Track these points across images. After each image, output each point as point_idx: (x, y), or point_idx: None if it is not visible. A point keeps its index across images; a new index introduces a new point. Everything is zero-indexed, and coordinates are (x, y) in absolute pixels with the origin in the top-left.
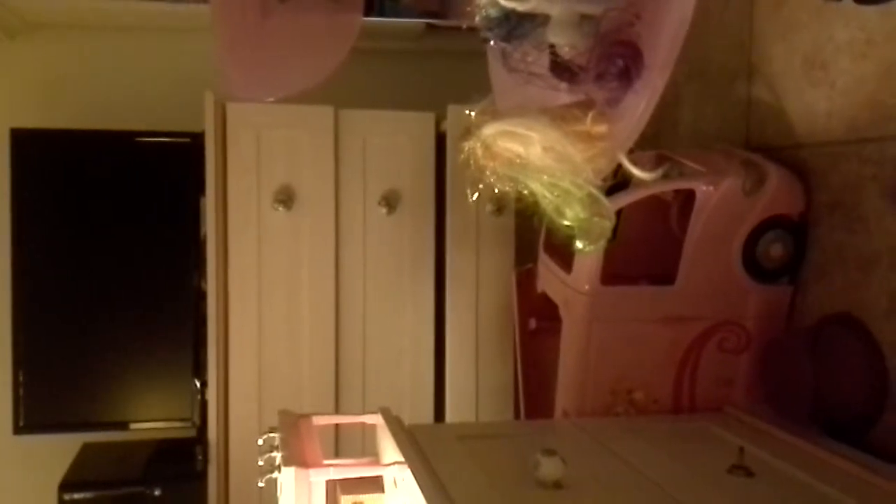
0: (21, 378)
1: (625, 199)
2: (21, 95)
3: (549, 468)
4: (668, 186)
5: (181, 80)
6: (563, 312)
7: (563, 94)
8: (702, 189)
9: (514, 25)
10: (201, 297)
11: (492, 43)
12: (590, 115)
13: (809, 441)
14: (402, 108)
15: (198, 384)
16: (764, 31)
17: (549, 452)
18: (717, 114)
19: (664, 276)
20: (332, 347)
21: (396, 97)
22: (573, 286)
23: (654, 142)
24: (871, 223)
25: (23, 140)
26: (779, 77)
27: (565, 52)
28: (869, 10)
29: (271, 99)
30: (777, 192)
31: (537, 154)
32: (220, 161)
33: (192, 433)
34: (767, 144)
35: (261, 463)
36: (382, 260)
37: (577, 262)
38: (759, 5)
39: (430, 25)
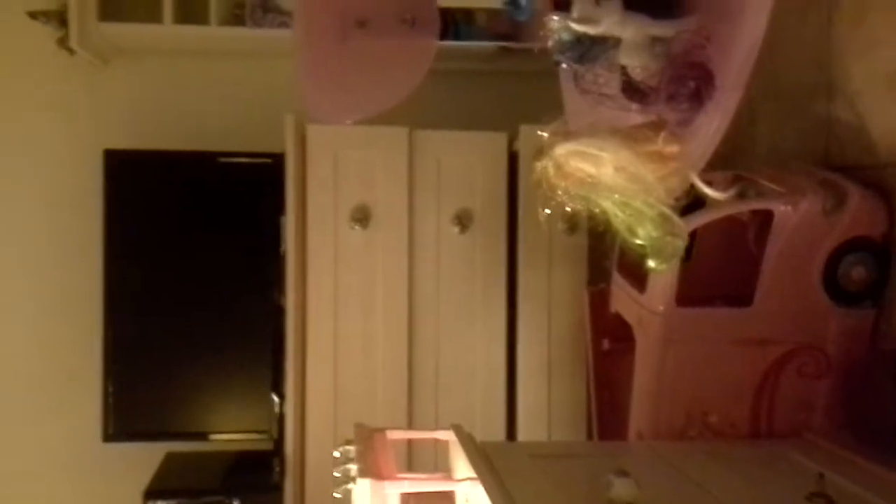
0: (110, 388)
1: (700, 219)
2: (114, 118)
3: (622, 489)
4: (745, 207)
5: (263, 103)
6: (637, 333)
7: (634, 115)
8: (780, 209)
9: (587, 48)
10: (280, 312)
11: (564, 66)
12: (661, 135)
13: (892, 469)
14: (475, 128)
15: (276, 398)
16: (843, 47)
17: (622, 473)
18: (796, 132)
19: (741, 297)
20: (405, 364)
21: (469, 117)
22: (647, 306)
23: (730, 161)
24: None
25: (115, 160)
26: (860, 94)
27: (637, 73)
28: None
29: (349, 121)
30: (858, 213)
31: (609, 174)
32: (299, 181)
33: (269, 446)
34: (848, 164)
35: (336, 474)
36: (455, 278)
37: (652, 283)
38: (837, 22)
39: (503, 47)
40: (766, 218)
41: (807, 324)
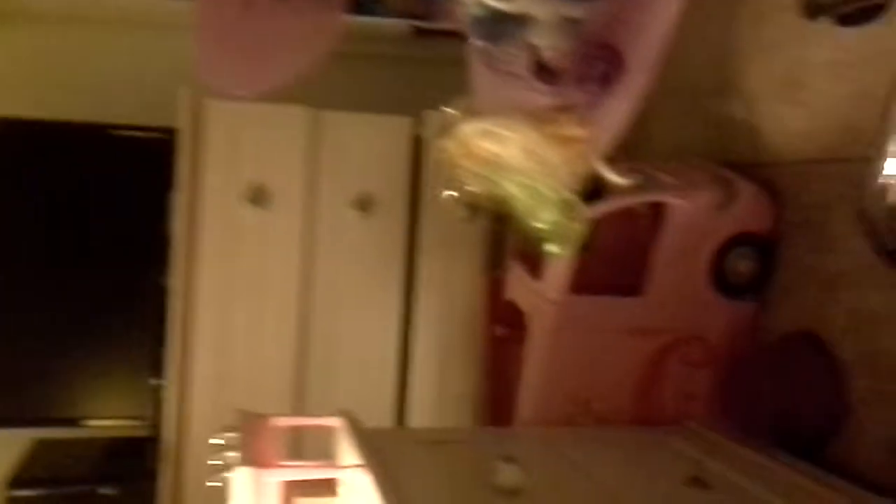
0: None
1: (599, 208)
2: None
3: (508, 475)
4: (642, 198)
5: (159, 75)
6: (529, 320)
7: (542, 96)
8: (674, 202)
9: (499, 25)
10: (164, 293)
11: (475, 42)
12: (568, 118)
13: (767, 456)
14: (382, 112)
15: (156, 382)
16: (743, 48)
17: (509, 459)
18: (692, 130)
19: (632, 287)
20: (295, 348)
21: (377, 102)
22: (541, 294)
23: (628, 155)
24: (838, 243)
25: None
26: (755, 95)
27: (547, 54)
28: (847, 32)
29: (249, 93)
30: (747, 209)
31: (514, 154)
32: (192, 157)
33: (147, 432)
34: (740, 161)
35: (215, 462)
36: (353, 262)
37: (547, 271)
38: (739, 23)
39: (415, 32)
40: (659, 210)
41: (693, 314)
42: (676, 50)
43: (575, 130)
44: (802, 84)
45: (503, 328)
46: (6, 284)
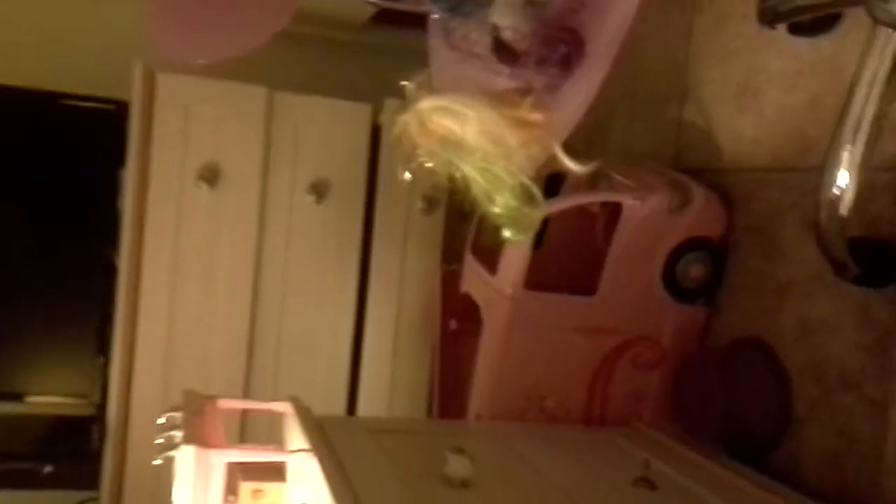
0: None
1: (555, 205)
2: None
3: (457, 466)
4: (597, 198)
5: (112, 44)
6: (484, 314)
7: (501, 77)
8: (629, 203)
9: (461, 2)
10: (112, 270)
11: (435, 16)
12: (527, 101)
13: (712, 460)
14: (340, 99)
15: (101, 360)
16: (700, 55)
17: (459, 451)
18: (648, 134)
19: (586, 286)
20: (245, 333)
21: (335, 88)
22: (497, 288)
23: (584, 157)
24: (788, 251)
25: None
26: (711, 102)
27: (508, 34)
28: (801, 42)
29: (199, 62)
30: (700, 214)
31: (472, 134)
32: (144, 132)
33: (90, 411)
34: (695, 167)
35: (160, 441)
36: (306, 248)
37: (503, 265)
38: (697, 30)
39: (373, 19)
40: (614, 211)
41: (645, 316)
42: (636, 55)
43: (534, 114)
44: (757, 92)
45: (457, 321)
46: None
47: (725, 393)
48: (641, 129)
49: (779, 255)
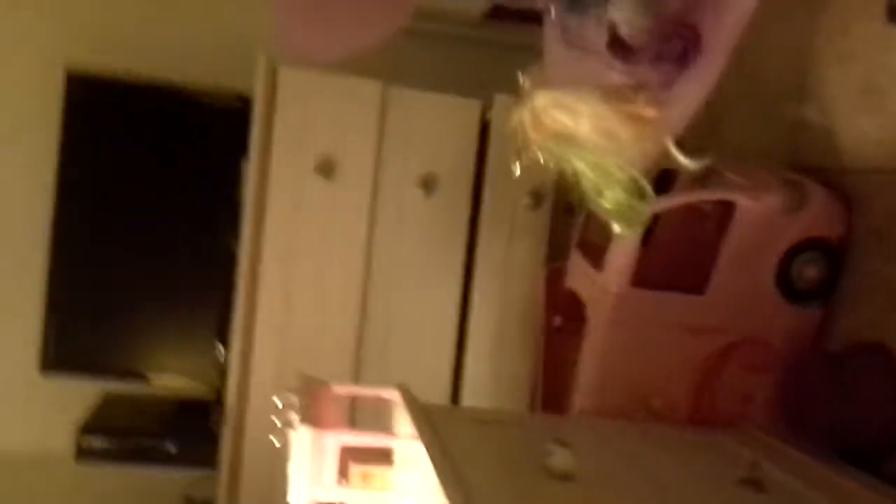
0: (51, 318)
1: (666, 203)
2: (75, 36)
3: (560, 458)
4: (709, 196)
5: (238, 37)
6: (589, 312)
7: (616, 73)
8: (742, 202)
9: None
10: (233, 259)
11: (552, 12)
12: (641, 96)
13: (824, 463)
14: (451, 93)
15: (221, 346)
16: (821, 53)
17: (562, 443)
18: (765, 132)
19: (695, 285)
20: (356, 321)
21: (446, 82)
22: (602, 285)
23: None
24: None
25: (77, 84)
26: (832, 101)
27: (625, 30)
28: None
29: (322, 61)
30: (818, 214)
31: (585, 128)
32: (266, 125)
33: (211, 394)
34: (813, 166)
35: (276, 419)
36: (415, 241)
37: (609, 262)
38: (820, 29)
39: (488, 14)
40: (727, 210)
41: (756, 317)
42: (754, 52)
43: (648, 109)
44: (881, 91)
45: (562, 318)
46: (85, 241)
47: (839, 397)
48: (757, 126)
49: None
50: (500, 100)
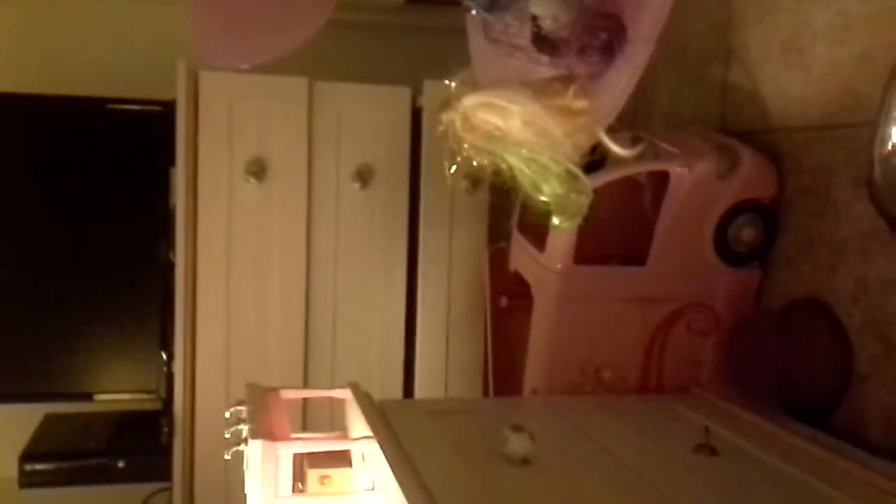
0: None
1: (601, 178)
2: None
3: (517, 444)
4: (643, 168)
5: (154, 46)
6: (534, 291)
7: (544, 68)
8: (676, 171)
9: None
10: (169, 268)
11: (473, 12)
12: (571, 89)
13: (773, 422)
14: (379, 82)
15: (164, 356)
16: (743, 14)
17: (517, 429)
18: (693, 96)
19: (636, 257)
20: (301, 322)
21: (373, 72)
22: (546, 265)
23: (630, 123)
24: (841, 209)
25: None
26: (756, 61)
27: (548, 24)
28: None
29: (244, 66)
30: (750, 176)
31: (517, 127)
32: (191, 131)
33: (157, 405)
34: (742, 128)
35: (227, 435)
36: (355, 235)
37: (551, 241)
38: None
39: (409, 0)
40: (662, 179)
41: (697, 283)
42: (677, 16)
43: (577, 102)
44: (803, 49)
45: (508, 299)
46: (13, 264)
47: (783, 354)
48: (686, 92)
49: (832, 214)
50: (429, 85)
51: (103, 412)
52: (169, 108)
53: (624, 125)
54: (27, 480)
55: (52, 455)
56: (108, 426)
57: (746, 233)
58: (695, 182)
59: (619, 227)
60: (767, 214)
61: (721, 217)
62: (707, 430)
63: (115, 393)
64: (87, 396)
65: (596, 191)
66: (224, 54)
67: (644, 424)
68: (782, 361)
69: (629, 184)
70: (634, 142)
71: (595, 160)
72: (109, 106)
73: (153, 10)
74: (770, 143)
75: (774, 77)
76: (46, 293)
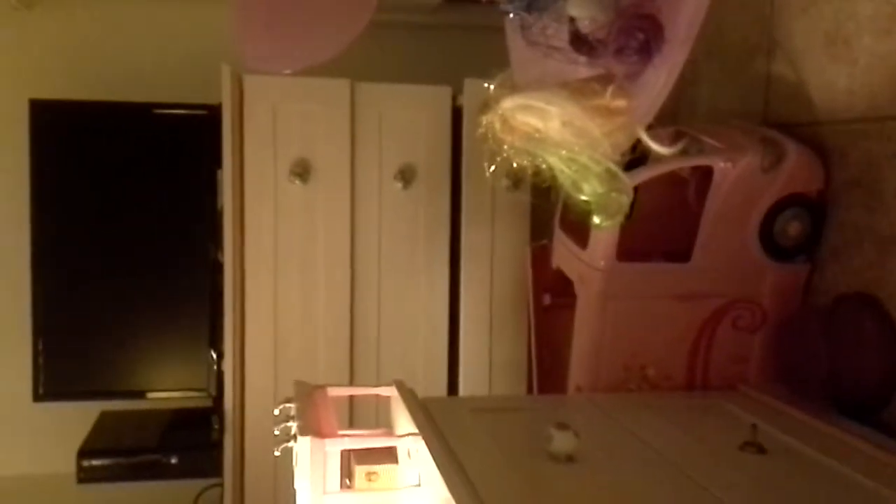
0: (41, 347)
1: (643, 175)
2: (40, 66)
3: (562, 442)
4: (686, 163)
5: (199, 51)
6: (577, 288)
7: (582, 68)
8: (720, 166)
9: None
10: (218, 268)
11: (511, 15)
12: (609, 89)
13: (821, 419)
14: (419, 82)
15: (214, 355)
16: (786, 5)
17: (562, 426)
18: (736, 90)
19: (680, 252)
20: (346, 320)
21: (413, 71)
22: (588, 262)
23: (672, 119)
24: (890, 202)
25: (42, 111)
26: (799, 53)
27: (585, 25)
28: None
29: (287, 71)
30: (795, 170)
31: (556, 128)
32: (236, 133)
33: (207, 403)
34: (786, 121)
35: (276, 432)
36: (397, 234)
37: (593, 239)
38: None
39: None
40: (705, 174)
41: (743, 278)
42: (718, 9)
43: (616, 101)
44: (848, 40)
45: (551, 297)
46: (69, 267)
47: (831, 350)
48: (728, 85)
49: (880, 207)
50: (469, 83)
51: (156, 409)
52: (214, 111)
53: (666, 121)
54: (85, 476)
55: (108, 451)
56: (161, 423)
57: (793, 227)
58: (739, 177)
59: (663, 223)
60: (814, 208)
61: (766, 211)
62: (754, 427)
63: (168, 391)
64: (141, 394)
65: (638, 187)
66: (268, 60)
67: (690, 422)
68: (830, 357)
69: (673, 179)
70: (677, 137)
71: (636, 158)
72: (156, 111)
73: (197, 16)
74: (815, 136)
75: (819, 69)
76: (101, 295)
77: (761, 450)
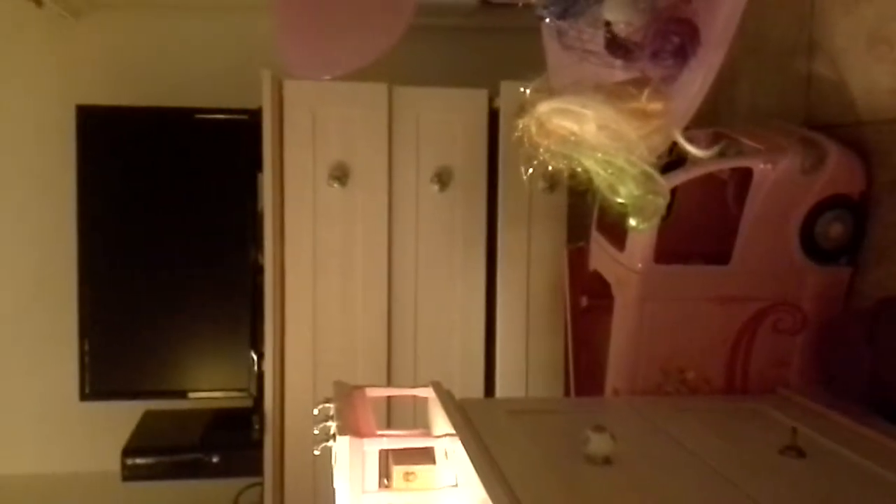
0: (87, 348)
1: (680, 177)
2: (86, 73)
3: (599, 444)
4: (725, 165)
5: (240, 58)
6: (615, 291)
7: (618, 72)
8: (759, 167)
9: (570, 2)
10: (258, 270)
11: (547, 20)
12: (645, 92)
13: (863, 423)
14: (456, 85)
15: (254, 356)
16: (826, 5)
17: (599, 429)
18: (776, 90)
19: (719, 255)
20: (384, 321)
21: (450, 74)
22: (626, 264)
23: (711, 119)
24: None
25: (88, 116)
26: (841, 53)
27: (621, 29)
28: None
29: (328, 76)
30: (837, 171)
31: (592, 132)
32: (276, 137)
33: (248, 403)
34: (827, 122)
35: (316, 432)
36: (434, 236)
37: (630, 241)
38: None
39: (484, 2)
40: (745, 176)
41: (783, 281)
42: (758, 11)
43: (652, 104)
44: (891, 40)
45: (589, 299)
46: (113, 269)
47: (873, 353)
48: (768, 85)
49: None
50: (506, 86)
51: (198, 409)
52: (255, 116)
53: (705, 122)
54: (129, 474)
55: (151, 450)
56: (203, 423)
57: (834, 229)
58: (778, 178)
59: (702, 225)
60: (856, 210)
61: (807, 213)
62: (794, 431)
63: (209, 391)
64: (183, 394)
65: (676, 189)
66: (309, 66)
67: (729, 426)
68: (872, 361)
69: (712, 181)
70: (715, 139)
71: (673, 160)
72: (198, 116)
73: (238, 24)
74: (857, 136)
75: (861, 69)
76: (143, 297)
77: (801, 454)
